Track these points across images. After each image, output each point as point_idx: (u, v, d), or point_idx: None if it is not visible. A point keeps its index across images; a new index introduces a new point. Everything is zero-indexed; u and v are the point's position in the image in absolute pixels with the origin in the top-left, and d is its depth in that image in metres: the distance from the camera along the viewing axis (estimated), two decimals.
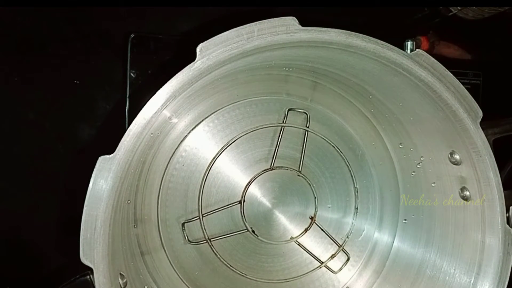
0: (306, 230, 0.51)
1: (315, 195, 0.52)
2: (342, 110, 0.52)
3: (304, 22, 0.34)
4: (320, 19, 0.35)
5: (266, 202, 0.50)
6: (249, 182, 0.50)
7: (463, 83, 0.39)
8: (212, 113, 0.47)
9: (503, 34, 0.65)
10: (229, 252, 0.50)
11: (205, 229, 0.48)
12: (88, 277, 0.34)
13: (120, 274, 0.36)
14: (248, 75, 0.40)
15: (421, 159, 0.47)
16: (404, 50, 0.38)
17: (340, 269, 0.53)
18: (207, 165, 0.48)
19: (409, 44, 0.38)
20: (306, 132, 0.51)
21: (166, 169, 0.46)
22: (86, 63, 0.50)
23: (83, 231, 0.32)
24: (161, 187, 0.47)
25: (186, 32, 0.52)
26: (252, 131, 0.50)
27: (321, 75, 0.41)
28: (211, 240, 0.49)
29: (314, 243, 0.53)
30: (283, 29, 0.34)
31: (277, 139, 0.50)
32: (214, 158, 0.49)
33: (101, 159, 0.32)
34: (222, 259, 0.50)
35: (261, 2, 0.51)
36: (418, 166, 0.48)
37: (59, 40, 0.49)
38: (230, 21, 0.34)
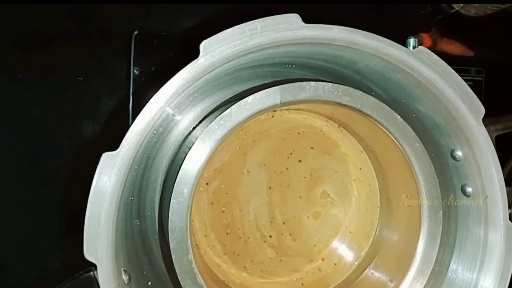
0: None
1: None
2: None
3: (307, 19, 0.34)
4: (323, 16, 0.35)
5: None
6: None
7: (465, 80, 0.39)
8: (216, 110, 0.47)
9: (506, 31, 0.65)
10: None
11: None
12: (91, 273, 0.34)
13: (124, 270, 0.36)
14: (251, 72, 0.40)
15: None
16: (407, 47, 0.38)
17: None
18: None
19: (411, 41, 0.38)
20: None
21: (169, 165, 0.46)
22: (90, 60, 0.50)
23: (87, 227, 0.32)
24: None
25: (189, 29, 0.52)
26: None
27: (324, 72, 0.41)
28: None
29: None
30: (286, 26, 0.34)
31: None
32: None
33: (105, 155, 0.32)
34: None
35: None
36: None
37: (63, 37, 0.49)
38: (233, 18, 0.34)
